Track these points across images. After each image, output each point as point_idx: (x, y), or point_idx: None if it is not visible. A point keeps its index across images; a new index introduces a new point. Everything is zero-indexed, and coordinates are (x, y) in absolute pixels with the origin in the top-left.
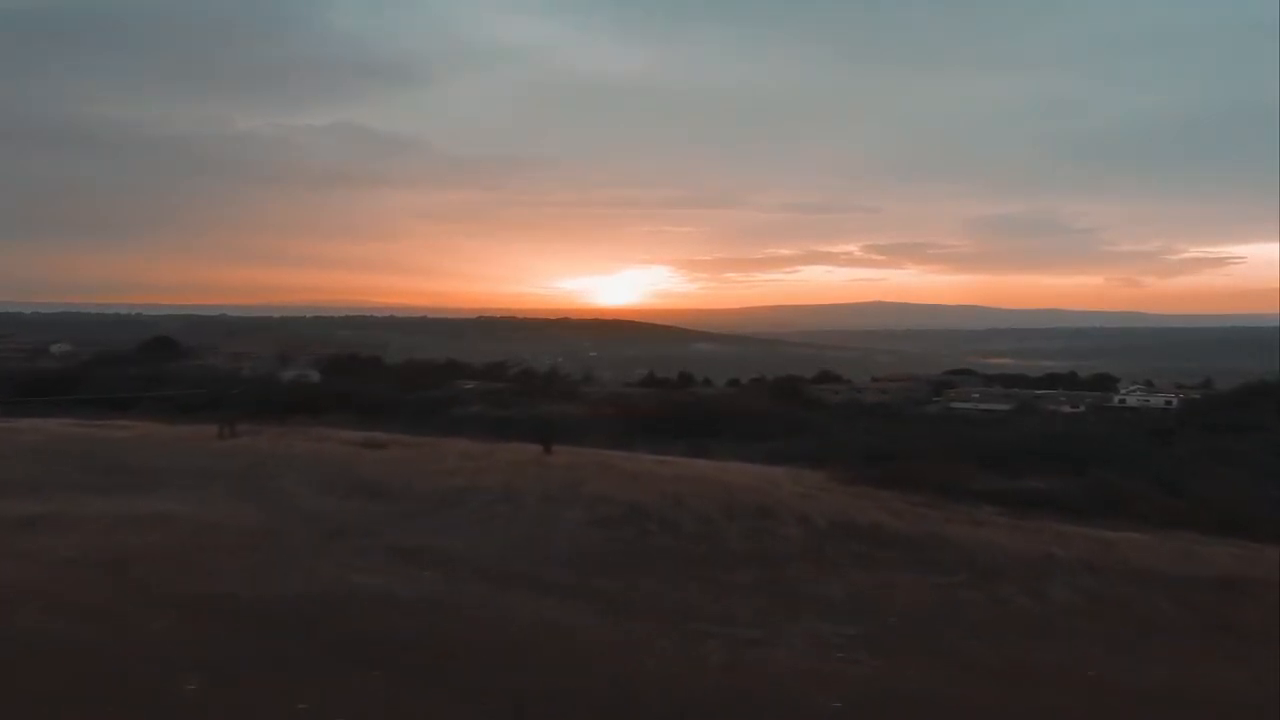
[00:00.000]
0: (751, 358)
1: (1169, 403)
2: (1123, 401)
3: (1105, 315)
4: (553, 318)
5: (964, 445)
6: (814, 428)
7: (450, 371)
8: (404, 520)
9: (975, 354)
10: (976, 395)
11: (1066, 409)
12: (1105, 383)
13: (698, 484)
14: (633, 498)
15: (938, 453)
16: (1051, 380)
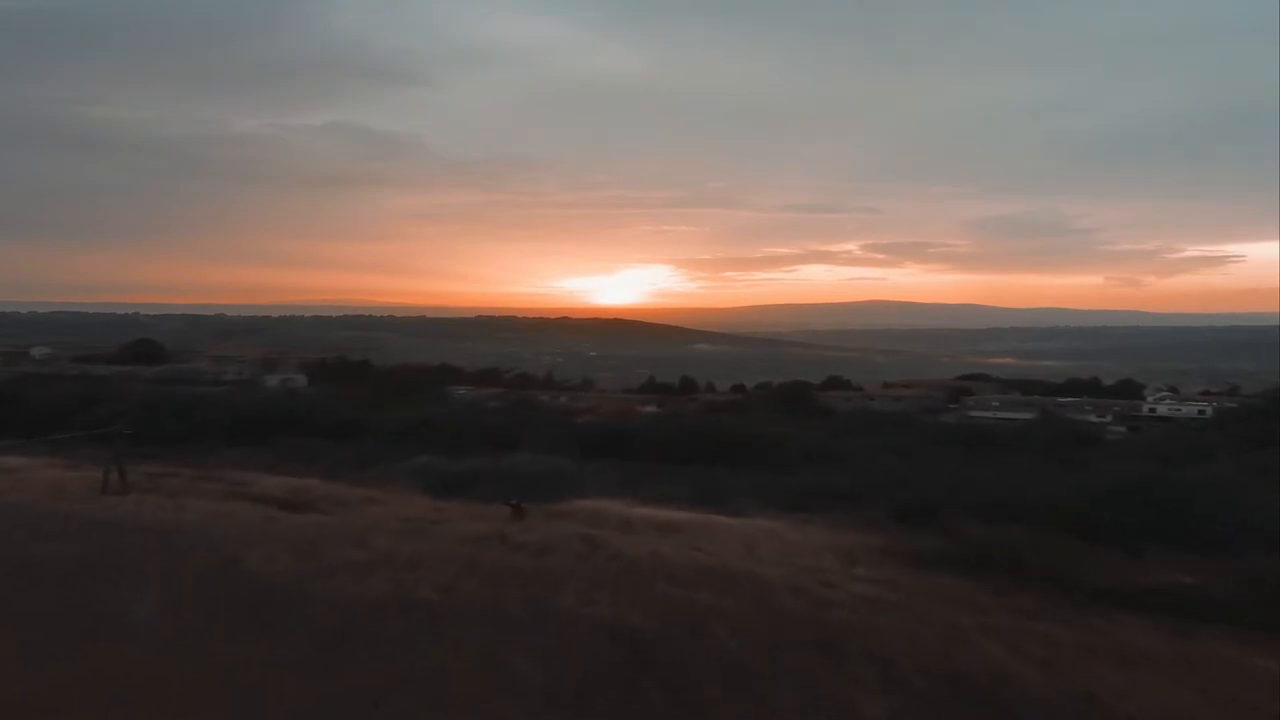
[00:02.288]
0: (752, 358)
1: (1202, 412)
2: (1152, 410)
3: (1105, 315)
4: (553, 317)
5: (1026, 486)
6: (838, 453)
7: (443, 375)
8: (269, 680)
9: (976, 354)
10: (996, 403)
11: (1093, 418)
12: (1130, 389)
13: (719, 584)
14: (626, 615)
15: (1002, 497)
16: (1072, 386)
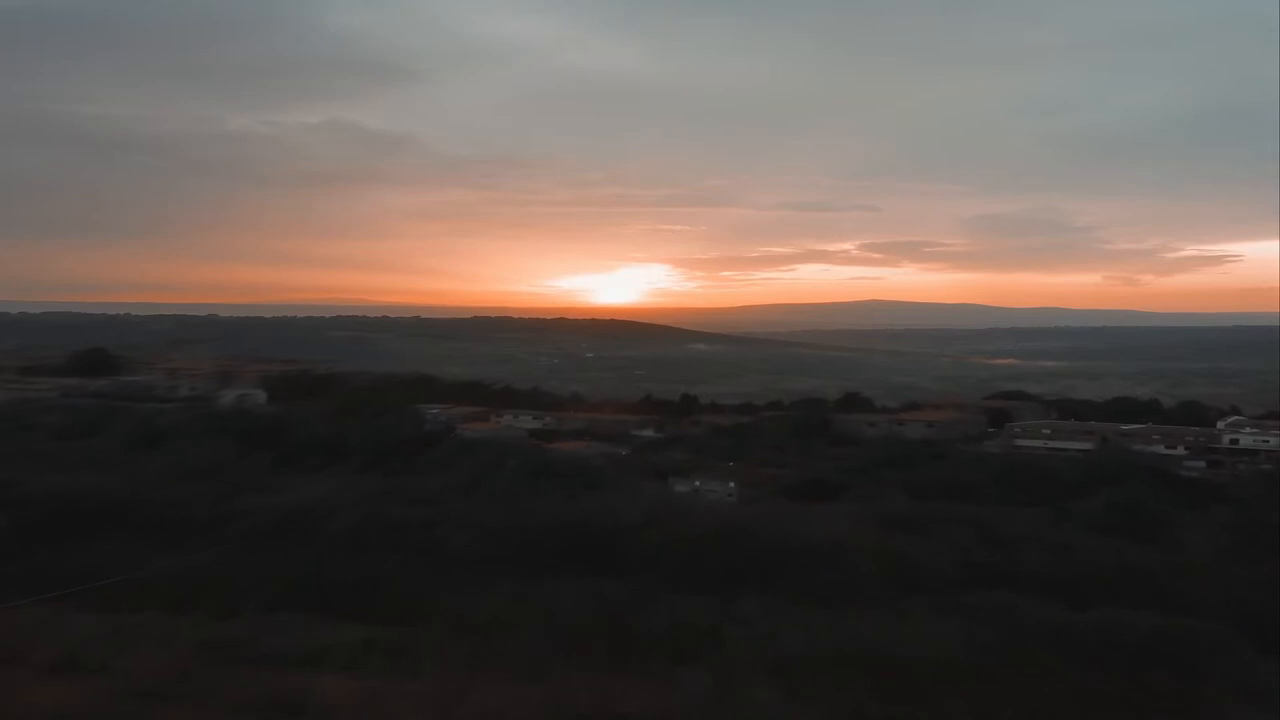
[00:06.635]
0: (751, 359)
1: None
2: (1234, 442)
3: (1103, 314)
4: (549, 317)
5: None
6: (916, 567)
7: (422, 386)
8: None
9: (975, 353)
10: (1047, 431)
11: (1162, 449)
12: (1196, 413)
13: None
14: None
15: None
16: (1122, 406)
